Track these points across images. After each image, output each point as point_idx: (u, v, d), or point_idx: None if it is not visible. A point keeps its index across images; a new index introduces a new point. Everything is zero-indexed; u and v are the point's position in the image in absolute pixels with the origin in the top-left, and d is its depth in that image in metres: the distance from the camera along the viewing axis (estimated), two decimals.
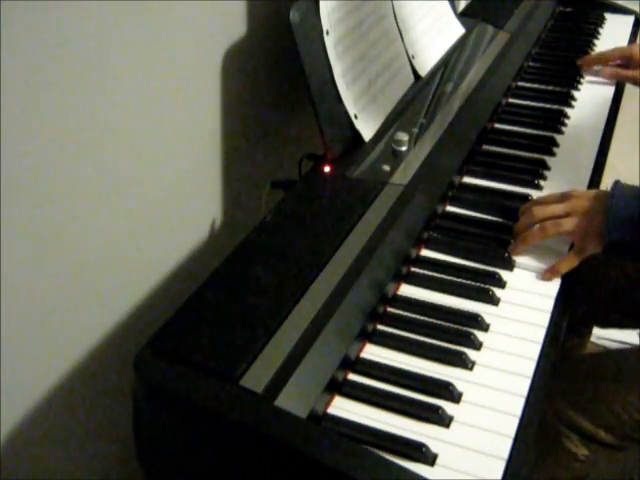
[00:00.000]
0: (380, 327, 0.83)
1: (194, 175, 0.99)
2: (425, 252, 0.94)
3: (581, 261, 0.91)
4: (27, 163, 0.70)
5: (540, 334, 0.82)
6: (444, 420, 0.72)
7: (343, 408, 0.73)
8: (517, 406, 0.74)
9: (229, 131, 1.03)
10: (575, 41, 1.58)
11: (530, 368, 0.78)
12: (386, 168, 0.96)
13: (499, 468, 0.67)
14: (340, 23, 1.01)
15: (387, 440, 0.69)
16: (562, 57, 1.50)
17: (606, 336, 1.69)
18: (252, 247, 0.83)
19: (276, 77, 1.12)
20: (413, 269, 0.91)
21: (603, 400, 0.99)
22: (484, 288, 0.88)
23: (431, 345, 0.80)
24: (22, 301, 0.75)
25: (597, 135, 1.22)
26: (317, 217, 0.88)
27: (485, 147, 1.17)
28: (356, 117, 1.01)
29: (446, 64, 1.24)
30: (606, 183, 1.11)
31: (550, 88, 1.37)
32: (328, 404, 0.73)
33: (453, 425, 0.72)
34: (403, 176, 0.95)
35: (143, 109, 0.84)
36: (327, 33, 0.98)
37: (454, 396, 0.74)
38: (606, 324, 1.41)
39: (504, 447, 0.69)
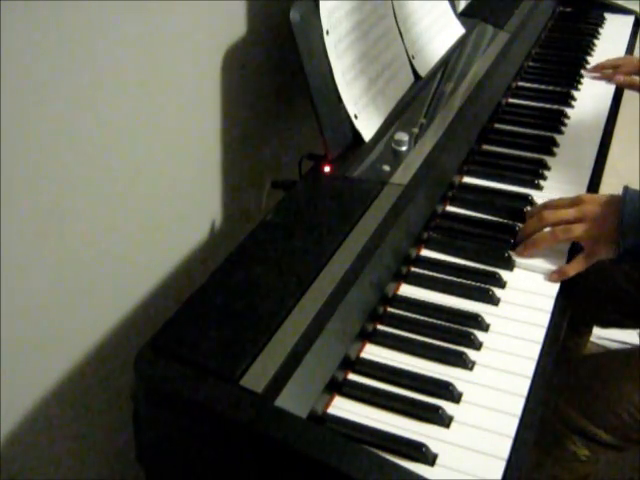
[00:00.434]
0: (380, 327, 0.83)
1: (194, 175, 0.99)
2: (425, 252, 0.94)
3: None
4: (27, 163, 0.70)
5: (540, 334, 0.82)
6: (444, 420, 0.72)
7: (343, 408, 0.73)
8: (517, 406, 0.74)
9: (229, 131, 1.03)
10: (575, 41, 1.58)
11: (530, 368, 0.78)
12: (386, 168, 0.96)
13: (499, 468, 0.67)
14: (340, 23, 1.01)
15: (387, 440, 0.69)
16: (562, 57, 1.50)
17: (606, 336, 1.69)
18: (252, 247, 0.83)
19: (276, 77, 1.12)
20: (413, 269, 0.91)
21: (603, 400, 0.99)
22: (484, 288, 0.88)
23: (431, 345, 0.80)
24: (22, 301, 0.75)
25: (597, 135, 1.22)
26: (317, 217, 0.88)
27: (485, 147, 1.17)
28: (356, 117, 1.01)
29: (446, 64, 1.24)
30: (606, 183, 1.11)
31: (550, 88, 1.37)
32: (328, 404, 0.73)
33: (453, 425, 0.72)
34: (403, 176, 0.95)
35: (143, 109, 0.84)
36: (327, 33, 0.98)
37: (454, 396, 0.74)
38: (606, 324, 1.41)
39: (504, 447, 0.69)
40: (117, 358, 0.91)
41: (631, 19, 1.68)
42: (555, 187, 1.07)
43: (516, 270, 0.92)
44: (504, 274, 0.90)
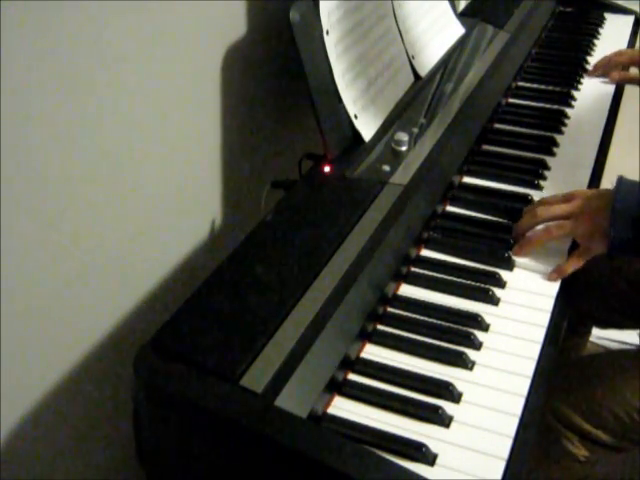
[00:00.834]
0: (380, 327, 0.83)
1: (194, 175, 0.99)
2: (425, 252, 0.94)
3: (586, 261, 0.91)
4: (27, 163, 0.70)
5: (540, 334, 0.82)
6: (444, 420, 0.72)
7: (343, 408, 0.73)
8: (517, 406, 0.74)
9: (229, 131, 1.03)
10: (575, 41, 1.58)
11: (530, 368, 0.78)
12: (386, 168, 0.96)
13: (499, 468, 0.67)
14: (340, 23, 1.01)
15: (387, 440, 0.69)
16: (562, 57, 1.50)
17: (606, 336, 1.69)
18: (252, 247, 0.83)
19: (276, 77, 1.12)
20: (413, 269, 0.91)
21: (603, 401, 0.99)
22: (484, 288, 0.88)
23: (431, 345, 0.80)
24: (22, 301, 0.75)
25: (597, 135, 1.22)
26: (317, 217, 0.88)
27: (485, 147, 1.17)
28: (356, 117, 1.01)
29: (446, 64, 1.24)
30: (608, 182, 1.11)
31: (550, 88, 1.37)
32: (328, 404, 0.73)
33: (453, 425, 0.72)
34: (403, 176, 0.95)
35: (143, 109, 0.84)
36: (327, 33, 0.98)
37: (454, 396, 0.74)
38: (606, 324, 1.41)
39: (504, 447, 0.69)
40: (117, 358, 0.91)
41: (631, 19, 1.68)
42: (555, 187, 1.07)
43: (516, 270, 0.92)
44: (504, 274, 0.90)
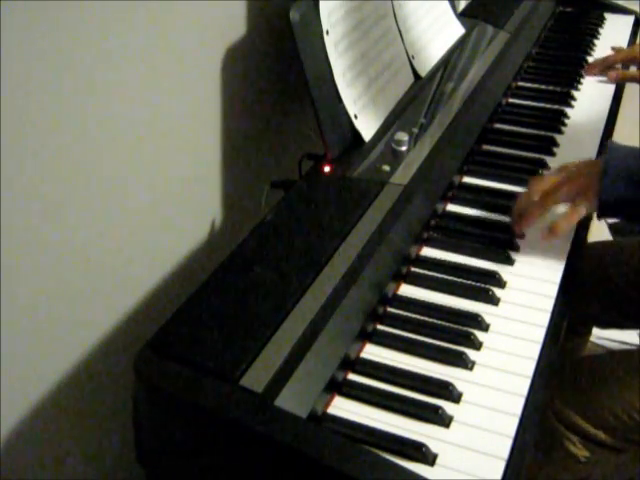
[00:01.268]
0: (380, 327, 0.83)
1: (194, 175, 0.99)
2: (425, 252, 0.94)
3: (579, 219, 0.93)
4: (27, 163, 0.70)
5: (540, 334, 0.82)
6: (444, 420, 0.72)
7: (343, 408, 0.73)
8: (517, 406, 0.74)
9: (229, 131, 1.03)
10: (575, 41, 1.58)
11: (530, 368, 0.78)
12: (386, 168, 0.96)
13: (499, 468, 0.67)
14: (340, 23, 1.01)
15: (387, 440, 0.69)
16: (562, 57, 1.50)
17: (606, 336, 1.69)
18: (252, 247, 0.83)
19: (276, 77, 1.12)
20: (413, 269, 0.91)
21: (603, 401, 0.99)
22: (484, 288, 0.88)
23: (431, 345, 0.80)
24: (22, 301, 0.75)
25: (597, 135, 1.22)
26: (317, 217, 0.88)
27: (485, 147, 1.17)
28: (356, 117, 1.01)
29: (446, 64, 1.24)
30: None
31: (550, 88, 1.37)
32: (328, 404, 0.73)
33: (453, 425, 0.72)
34: (403, 176, 0.95)
35: (143, 109, 0.84)
36: (327, 33, 0.98)
37: (454, 396, 0.74)
38: (606, 324, 1.41)
39: (504, 447, 0.69)
40: (117, 358, 0.91)
41: (631, 19, 1.68)
42: None
43: (516, 269, 0.92)
44: (504, 274, 0.90)
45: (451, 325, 0.83)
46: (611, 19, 1.69)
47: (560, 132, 1.23)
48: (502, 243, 0.95)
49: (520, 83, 1.39)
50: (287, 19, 0.91)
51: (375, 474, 0.61)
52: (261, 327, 0.72)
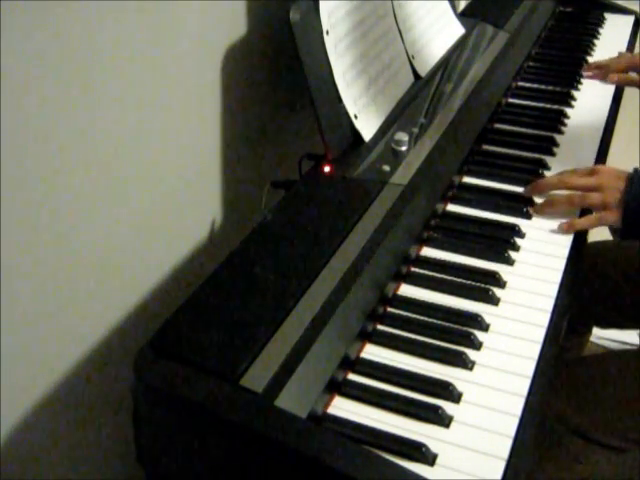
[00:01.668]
0: (380, 327, 0.83)
1: (194, 175, 0.99)
2: (425, 252, 0.94)
3: (597, 226, 0.99)
4: (27, 163, 0.70)
5: (540, 334, 0.82)
6: (444, 420, 0.72)
7: (343, 408, 0.73)
8: (517, 406, 0.74)
9: (229, 131, 1.03)
10: (575, 41, 1.58)
11: (530, 368, 0.78)
12: (386, 168, 0.96)
13: (499, 468, 0.67)
14: (340, 23, 1.01)
15: (387, 440, 0.69)
16: (562, 57, 1.50)
17: (606, 336, 1.69)
18: (252, 247, 0.83)
19: (276, 77, 1.12)
20: (413, 269, 0.91)
21: (603, 401, 0.99)
22: (484, 288, 0.88)
23: (431, 345, 0.80)
24: (22, 301, 0.75)
25: (597, 135, 1.22)
26: (317, 217, 0.88)
27: (485, 147, 1.17)
28: (356, 117, 1.01)
29: (446, 64, 1.24)
30: None
31: (550, 88, 1.37)
32: (328, 404, 0.73)
33: (453, 425, 0.72)
34: (403, 176, 0.95)
35: (143, 109, 0.84)
36: (327, 33, 0.98)
37: (454, 396, 0.74)
38: (606, 324, 1.41)
39: (504, 447, 0.69)
40: (117, 358, 0.91)
41: (631, 19, 1.68)
42: None
43: (516, 269, 0.92)
44: (504, 274, 0.90)
45: (451, 325, 0.83)
46: (611, 19, 1.69)
47: (560, 132, 1.23)
48: (502, 243, 0.95)
49: (520, 83, 1.39)
50: (287, 19, 0.91)
51: (375, 474, 0.61)
52: (261, 327, 0.72)
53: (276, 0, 1.05)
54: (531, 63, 1.47)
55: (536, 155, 1.15)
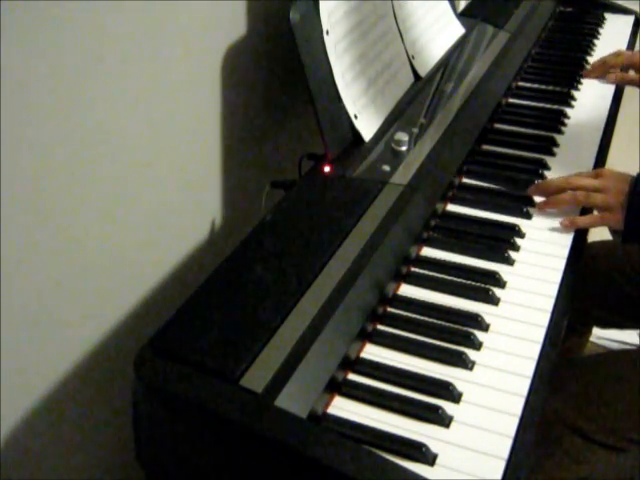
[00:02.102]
0: (380, 327, 0.83)
1: (194, 175, 0.99)
2: (425, 252, 0.94)
3: (599, 226, 1.01)
4: (27, 163, 0.70)
5: (540, 334, 0.82)
6: (444, 420, 0.72)
7: (343, 408, 0.73)
8: (517, 406, 0.74)
9: (229, 131, 1.03)
10: (575, 41, 1.58)
11: (530, 368, 0.78)
12: (386, 168, 0.96)
13: (499, 468, 0.67)
14: (340, 23, 1.01)
15: (387, 440, 0.69)
16: (562, 57, 1.50)
17: (606, 336, 1.69)
18: (252, 247, 0.83)
19: (276, 77, 1.12)
20: (413, 269, 0.91)
21: (603, 401, 0.99)
22: (484, 288, 0.88)
23: (431, 345, 0.80)
24: (22, 301, 0.75)
25: (597, 135, 1.22)
26: (317, 217, 0.88)
27: (485, 147, 1.17)
28: (356, 117, 1.01)
29: (446, 64, 1.24)
30: None
31: (550, 88, 1.37)
32: (328, 404, 0.73)
33: (453, 425, 0.72)
34: (403, 176, 0.95)
35: (143, 109, 0.84)
36: (327, 33, 0.98)
37: (454, 396, 0.74)
38: (606, 324, 1.41)
39: (504, 447, 0.69)
40: (117, 358, 0.91)
41: (631, 19, 1.68)
42: None
43: (516, 269, 0.92)
44: (504, 274, 0.90)
45: (451, 325, 0.83)
46: (611, 19, 1.69)
47: (560, 132, 1.23)
48: (502, 243, 0.95)
49: (520, 83, 1.39)
50: (287, 19, 0.91)
51: (375, 474, 0.61)
52: (261, 327, 0.72)
53: (276, 0, 1.05)
54: (531, 63, 1.47)
55: (536, 155, 1.15)
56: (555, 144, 1.19)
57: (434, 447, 0.69)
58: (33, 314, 0.77)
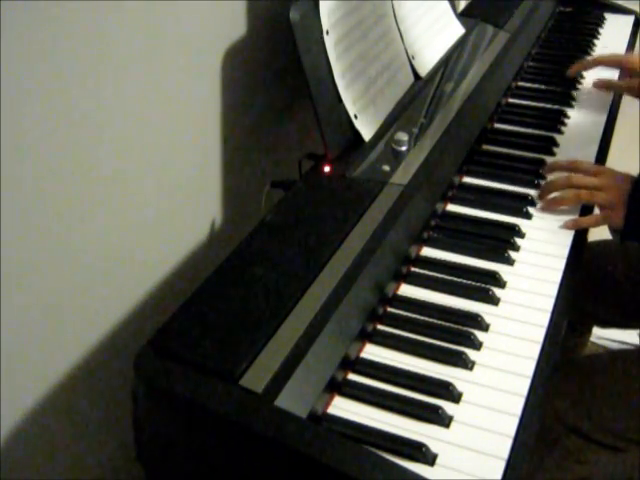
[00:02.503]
0: (380, 327, 0.83)
1: (194, 175, 0.99)
2: (425, 252, 0.94)
3: (601, 225, 1.01)
4: (27, 162, 0.70)
5: (540, 334, 0.82)
6: (444, 420, 0.72)
7: (343, 408, 0.73)
8: (517, 406, 0.74)
9: (229, 131, 1.03)
10: (575, 41, 1.58)
11: (530, 368, 0.78)
12: (386, 168, 0.96)
13: (499, 468, 0.67)
14: (340, 23, 1.01)
15: (387, 440, 0.69)
16: (562, 57, 1.50)
17: (606, 336, 1.69)
18: (252, 247, 0.83)
19: (276, 77, 1.12)
20: (413, 269, 0.91)
21: (603, 401, 0.99)
22: (484, 288, 0.88)
23: (431, 345, 0.80)
24: (22, 301, 0.75)
25: (597, 135, 1.22)
26: (317, 217, 0.88)
27: (485, 147, 1.17)
28: (356, 117, 1.01)
29: (446, 64, 1.24)
30: None
31: (550, 88, 1.37)
32: (328, 404, 0.73)
33: (453, 425, 0.72)
34: (403, 176, 0.95)
35: (143, 109, 0.84)
36: (327, 33, 0.98)
37: (454, 396, 0.74)
38: (606, 323, 1.41)
39: (504, 447, 0.69)
40: (117, 358, 0.91)
41: (631, 19, 1.68)
42: None
43: (516, 269, 0.92)
44: (504, 274, 0.90)
45: (451, 325, 0.83)
46: (611, 19, 1.69)
47: (560, 132, 1.23)
48: (502, 243, 0.95)
49: (520, 83, 1.39)
50: (287, 19, 0.91)
51: (375, 474, 0.61)
52: (261, 327, 0.72)
53: (276, 0, 1.05)
54: (531, 63, 1.47)
55: (536, 155, 1.15)
56: (555, 144, 1.19)
57: (434, 447, 0.69)
58: (33, 314, 0.77)
